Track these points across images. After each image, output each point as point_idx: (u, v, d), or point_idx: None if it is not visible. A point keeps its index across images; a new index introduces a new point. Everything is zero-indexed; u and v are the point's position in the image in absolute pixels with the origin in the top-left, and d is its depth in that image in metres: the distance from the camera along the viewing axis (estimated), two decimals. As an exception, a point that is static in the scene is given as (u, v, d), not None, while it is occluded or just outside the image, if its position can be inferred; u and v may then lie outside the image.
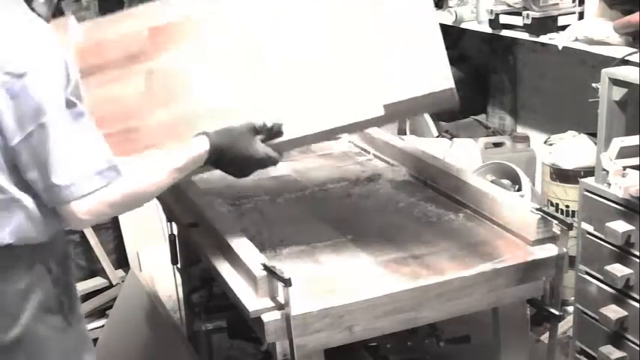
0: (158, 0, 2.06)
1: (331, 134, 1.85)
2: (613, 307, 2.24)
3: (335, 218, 2.22)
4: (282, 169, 2.66)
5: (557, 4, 2.91)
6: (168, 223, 2.48)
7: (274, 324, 1.70)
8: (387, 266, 1.91)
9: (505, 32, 3.13)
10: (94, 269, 3.62)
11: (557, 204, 2.99)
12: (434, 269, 1.88)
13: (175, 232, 2.48)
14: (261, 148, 1.75)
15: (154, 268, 3.41)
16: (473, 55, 3.91)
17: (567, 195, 2.95)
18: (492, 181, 2.96)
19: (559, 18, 2.91)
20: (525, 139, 3.57)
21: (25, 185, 1.54)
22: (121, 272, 3.67)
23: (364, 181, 2.50)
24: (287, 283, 1.66)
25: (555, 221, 1.94)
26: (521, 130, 3.72)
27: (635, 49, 2.51)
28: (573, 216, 2.86)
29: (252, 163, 1.77)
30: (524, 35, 3.03)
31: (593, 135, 2.64)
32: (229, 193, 2.41)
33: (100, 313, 3.46)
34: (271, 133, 1.77)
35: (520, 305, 2.01)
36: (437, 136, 3.83)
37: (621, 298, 2.22)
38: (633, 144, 2.20)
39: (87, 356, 1.78)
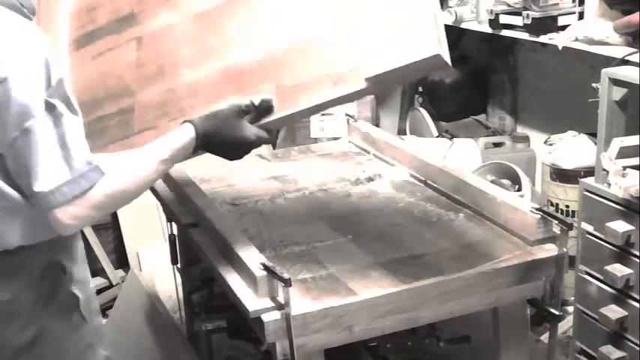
0: None
1: (319, 109, 1.80)
2: (613, 307, 2.24)
3: (335, 218, 2.22)
4: (282, 169, 2.67)
5: (557, 4, 2.91)
6: (168, 223, 2.48)
7: (274, 324, 1.70)
8: (387, 266, 1.91)
9: (505, 32, 3.13)
10: (94, 269, 3.62)
11: (557, 204, 2.99)
12: (434, 269, 1.88)
13: (175, 232, 2.47)
14: (249, 130, 1.69)
15: (154, 268, 3.41)
16: (473, 55, 3.91)
17: (567, 195, 2.95)
18: (492, 181, 2.96)
19: (559, 18, 2.91)
20: (525, 139, 3.57)
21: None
22: (121, 272, 3.68)
23: (364, 181, 2.50)
24: (287, 283, 1.66)
25: (555, 221, 1.94)
26: (521, 130, 3.72)
27: (635, 49, 2.51)
28: (573, 216, 2.86)
29: (242, 145, 1.70)
30: (524, 35, 3.03)
31: (593, 135, 2.64)
32: (229, 193, 2.42)
33: (100, 313, 3.46)
34: (260, 111, 1.71)
35: (520, 305, 2.01)
36: (437, 136, 3.83)
37: (621, 298, 2.22)
38: (633, 144, 2.20)
39: (102, 350, 1.78)
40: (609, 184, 2.22)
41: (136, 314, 3.03)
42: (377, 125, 3.89)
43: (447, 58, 1.68)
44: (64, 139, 1.48)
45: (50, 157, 1.47)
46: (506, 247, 1.98)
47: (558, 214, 2.12)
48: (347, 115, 2.96)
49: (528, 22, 2.92)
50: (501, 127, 3.77)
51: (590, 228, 2.30)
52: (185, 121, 1.68)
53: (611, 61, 2.53)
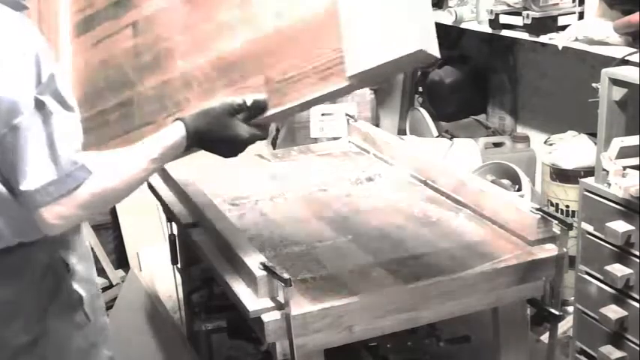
0: None
1: (309, 105, 1.78)
2: (613, 307, 2.24)
3: (335, 218, 2.22)
4: (282, 169, 2.67)
5: (557, 4, 2.91)
6: (168, 223, 2.48)
7: (274, 324, 1.70)
8: (387, 266, 1.91)
9: (505, 32, 3.13)
10: (94, 269, 3.62)
11: (557, 204, 2.99)
12: (434, 269, 1.88)
13: (175, 232, 2.48)
14: (242, 128, 1.64)
15: (154, 268, 3.41)
16: (473, 55, 3.91)
17: (567, 195, 2.95)
18: (492, 181, 2.96)
19: (559, 18, 2.91)
20: (525, 139, 3.57)
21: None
22: (121, 272, 3.68)
23: (364, 181, 2.50)
24: (287, 283, 1.66)
25: (555, 221, 1.94)
26: (521, 130, 3.71)
27: (635, 49, 2.51)
28: (573, 216, 2.86)
29: (236, 143, 1.67)
30: (524, 35, 3.03)
31: (593, 135, 2.64)
32: (229, 193, 2.42)
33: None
34: (253, 110, 1.66)
35: (520, 305, 2.01)
36: (437, 136, 3.83)
37: (621, 298, 2.22)
38: (633, 144, 2.20)
39: (106, 350, 1.77)
40: (609, 184, 2.22)
41: (136, 314, 3.03)
42: (377, 125, 3.89)
43: (435, 51, 1.65)
44: (52, 138, 1.46)
45: (37, 156, 1.45)
46: (506, 247, 1.98)
47: (558, 214, 2.12)
48: (347, 115, 2.96)
49: (528, 22, 2.92)
50: (501, 127, 3.76)
51: (590, 228, 2.30)
52: (177, 119, 1.66)
53: (611, 61, 2.53)
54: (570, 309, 2.61)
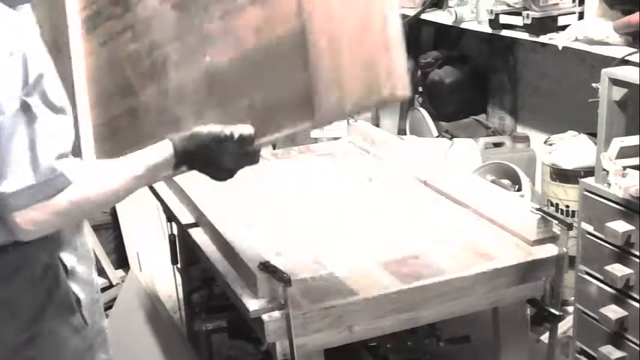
0: None
1: (296, 135, 1.75)
2: (613, 307, 2.24)
3: (335, 218, 2.22)
4: (282, 169, 2.67)
5: (557, 4, 2.90)
6: (168, 223, 2.48)
7: (274, 324, 1.70)
8: (387, 266, 1.91)
9: (505, 32, 3.13)
10: (94, 269, 3.62)
11: (557, 204, 2.99)
12: (434, 269, 1.88)
13: (175, 232, 2.48)
14: (230, 158, 1.59)
15: (154, 268, 3.41)
16: (473, 55, 3.91)
17: (567, 195, 2.95)
18: (492, 181, 2.96)
19: (559, 18, 2.91)
20: (525, 139, 3.57)
21: None
22: (121, 272, 3.68)
23: (364, 181, 2.50)
24: (287, 283, 1.66)
25: (555, 221, 1.95)
26: (521, 130, 3.71)
27: (635, 49, 2.51)
28: (573, 216, 2.86)
29: (225, 171, 1.63)
30: (524, 35, 3.03)
31: (593, 135, 2.64)
32: (229, 193, 2.41)
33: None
34: (239, 143, 1.58)
35: (520, 305, 2.01)
36: (437, 136, 3.83)
37: (621, 298, 2.22)
38: (633, 144, 2.20)
39: (102, 354, 1.75)
40: (609, 184, 2.22)
41: (136, 314, 3.03)
42: (377, 125, 3.89)
43: (402, 90, 1.57)
44: (34, 142, 1.43)
45: (17, 159, 1.42)
46: (506, 247, 1.98)
47: (558, 214, 2.12)
48: (347, 115, 2.96)
49: (528, 22, 2.92)
50: (501, 127, 3.76)
51: (590, 228, 2.30)
52: (167, 138, 1.60)
53: (611, 61, 2.53)
54: (570, 309, 2.61)
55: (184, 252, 2.54)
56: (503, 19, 3.08)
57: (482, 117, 3.89)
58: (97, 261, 3.56)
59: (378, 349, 2.14)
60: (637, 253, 2.16)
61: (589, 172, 2.48)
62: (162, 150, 1.57)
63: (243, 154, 1.60)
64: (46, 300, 1.61)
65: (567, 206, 2.96)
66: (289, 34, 1.54)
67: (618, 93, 2.25)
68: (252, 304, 1.72)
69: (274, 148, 3.58)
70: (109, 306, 3.39)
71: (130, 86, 1.93)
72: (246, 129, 1.57)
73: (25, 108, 1.42)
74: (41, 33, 1.61)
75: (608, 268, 2.22)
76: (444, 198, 2.30)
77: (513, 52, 3.66)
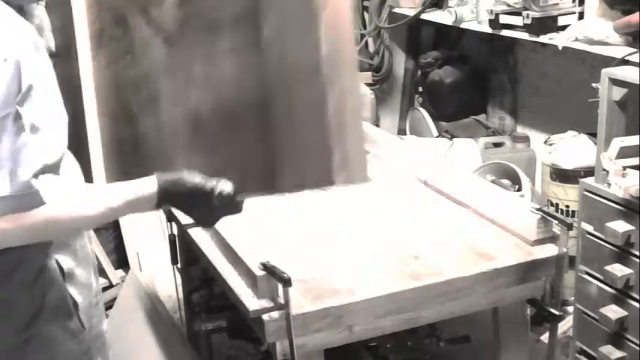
0: None
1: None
2: (613, 307, 2.24)
3: (335, 218, 2.22)
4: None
5: (557, 4, 2.91)
6: (168, 223, 2.48)
7: (274, 324, 1.70)
8: (387, 266, 1.91)
9: (505, 32, 3.13)
10: (94, 269, 3.62)
11: (557, 204, 2.99)
12: (434, 269, 1.88)
13: (175, 232, 2.47)
14: (209, 212, 1.59)
15: (154, 268, 3.41)
16: (473, 55, 3.91)
17: (567, 195, 2.95)
18: (492, 181, 2.96)
19: (559, 18, 2.91)
20: (525, 139, 3.57)
21: None
22: (121, 272, 3.67)
23: (364, 181, 2.49)
24: (287, 283, 1.66)
25: (555, 221, 1.95)
26: (521, 130, 3.71)
27: (635, 49, 2.51)
28: (573, 216, 2.86)
29: (205, 221, 1.65)
30: (524, 35, 3.03)
31: (593, 135, 2.64)
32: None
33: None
34: (220, 198, 1.57)
35: (520, 305, 2.01)
36: (437, 136, 3.83)
37: (621, 298, 2.22)
38: (633, 144, 2.20)
39: (100, 358, 1.73)
40: (609, 184, 2.22)
41: (136, 314, 3.03)
42: (377, 125, 3.89)
43: (359, 179, 1.54)
44: (17, 153, 1.40)
45: None
46: (506, 247, 1.98)
47: (558, 214, 2.12)
48: (347, 115, 2.96)
49: (528, 22, 2.92)
50: (501, 127, 3.77)
51: (590, 228, 2.30)
52: (155, 175, 1.57)
53: (611, 61, 2.53)
54: (570, 309, 2.61)
55: (184, 252, 2.53)
56: (503, 19, 3.09)
57: (482, 117, 3.89)
58: (97, 261, 3.58)
59: (378, 349, 2.14)
60: (637, 253, 2.16)
61: (589, 172, 2.48)
62: (146, 187, 1.54)
63: (223, 207, 1.59)
64: (42, 303, 1.58)
65: (567, 206, 2.96)
66: (252, 101, 1.56)
67: (618, 93, 2.25)
68: (252, 304, 1.72)
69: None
70: (109, 306, 3.39)
71: (132, 113, 1.89)
72: (226, 186, 1.55)
73: (16, 117, 1.39)
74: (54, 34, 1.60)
75: (608, 268, 2.22)
76: (444, 198, 2.30)
77: (513, 52, 3.66)
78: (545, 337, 2.61)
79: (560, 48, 2.84)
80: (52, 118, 1.47)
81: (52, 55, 1.50)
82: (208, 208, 1.57)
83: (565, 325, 2.70)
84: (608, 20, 2.67)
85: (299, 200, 2.37)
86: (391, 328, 1.85)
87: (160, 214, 3.27)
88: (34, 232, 1.46)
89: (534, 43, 3.26)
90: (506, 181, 3.14)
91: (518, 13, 2.99)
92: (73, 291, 1.63)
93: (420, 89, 4.10)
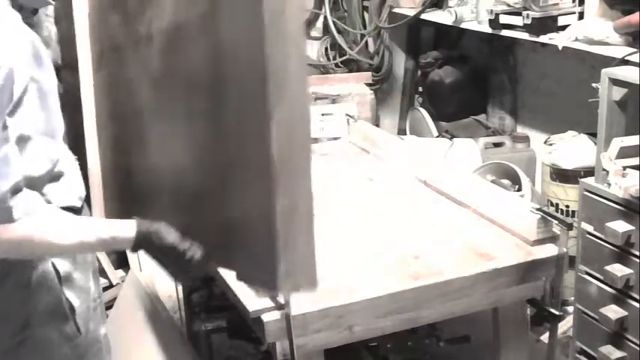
0: None
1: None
2: (613, 307, 2.24)
3: (334, 218, 2.22)
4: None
5: (557, 4, 2.90)
6: (169, 223, 2.48)
7: (274, 324, 1.70)
8: (387, 266, 1.91)
9: (505, 32, 3.13)
10: (94, 269, 3.62)
11: (557, 204, 2.99)
12: (434, 269, 1.88)
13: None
14: (177, 270, 1.61)
15: (154, 268, 3.40)
16: (473, 55, 3.91)
17: (567, 195, 2.95)
18: (492, 181, 2.96)
19: (559, 18, 2.91)
20: (525, 139, 3.57)
21: None
22: (121, 272, 3.67)
23: (364, 181, 2.49)
24: (287, 283, 1.65)
25: (555, 221, 1.95)
26: (521, 130, 3.71)
27: (635, 49, 2.51)
28: (573, 216, 2.86)
29: (177, 278, 1.68)
30: (524, 35, 3.03)
31: (593, 135, 2.64)
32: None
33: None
34: (188, 262, 1.57)
35: (520, 305, 2.01)
36: (437, 136, 3.83)
37: (621, 298, 2.22)
38: (633, 144, 2.20)
39: None
40: (609, 184, 2.22)
41: (136, 314, 3.02)
42: (377, 125, 3.89)
43: (307, 286, 1.52)
44: None
45: None
46: (506, 247, 1.98)
47: (558, 214, 2.12)
48: (347, 115, 2.96)
49: (528, 22, 2.92)
50: (501, 127, 3.76)
51: (590, 228, 2.30)
52: (135, 221, 1.57)
53: (611, 61, 2.53)
54: (570, 309, 2.61)
55: (184, 252, 2.53)
56: (503, 19, 3.08)
57: (482, 117, 3.89)
58: (97, 261, 3.57)
59: (378, 349, 2.14)
60: (637, 253, 2.16)
61: (589, 172, 2.48)
62: (124, 230, 1.54)
63: (192, 270, 1.60)
64: (37, 306, 1.57)
65: (567, 206, 2.96)
66: (208, 178, 1.55)
67: (618, 93, 2.25)
68: (252, 304, 1.72)
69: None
70: (109, 306, 3.39)
71: (126, 147, 1.88)
72: (197, 253, 1.56)
73: (3, 127, 1.37)
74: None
75: (608, 268, 2.22)
76: (444, 198, 2.30)
77: (513, 52, 3.66)
78: (545, 337, 2.61)
79: (560, 48, 2.84)
80: (48, 128, 1.45)
81: (57, 67, 1.48)
82: (179, 268, 1.59)
83: (565, 325, 2.70)
84: (608, 20, 2.66)
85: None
86: (391, 328, 1.85)
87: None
88: (9, 247, 1.43)
89: (534, 43, 3.26)
90: (506, 181, 3.14)
91: (518, 13, 2.99)
92: (70, 295, 1.61)
93: (420, 89, 4.10)
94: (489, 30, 3.20)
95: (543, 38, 2.94)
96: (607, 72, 2.26)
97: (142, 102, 1.76)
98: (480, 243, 2.01)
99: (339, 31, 4.18)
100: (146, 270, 3.49)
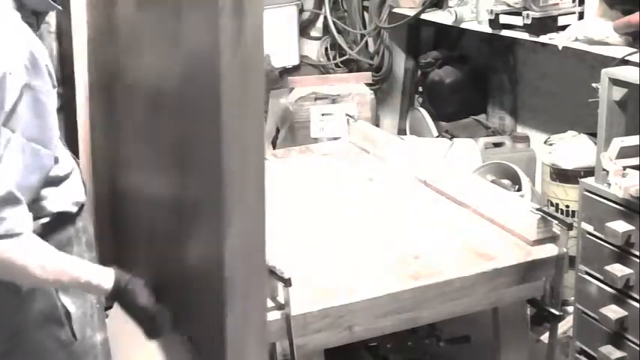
0: None
1: None
2: (613, 307, 2.24)
3: (335, 218, 2.22)
4: (282, 169, 2.67)
5: (557, 4, 2.90)
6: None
7: (274, 324, 1.70)
8: (387, 266, 1.90)
9: (505, 32, 3.13)
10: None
11: (557, 204, 2.99)
12: (434, 269, 1.88)
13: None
14: (144, 329, 1.67)
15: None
16: (473, 55, 3.91)
17: (567, 195, 2.95)
18: (492, 181, 2.96)
19: (559, 18, 2.91)
20: (525, 139, 3.57)
21: None
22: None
23: (364, 181, 2.49)
24: (287, 283, 1.66)
25: (555, 221, 1.95)
26: (521, 130, 3.71)
27: (635, 49, 2.51)
28: (573, 216, 2.86)
29: (149, 335, 1.71)
30: (524, 35, 3.03)
31: (593, 135, 2.64)
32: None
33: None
34: (154, 328, 1.66)
35: (520, 305, 2.01)
36: (437, 136, 3.83)
37: (621, 298, 2.22)
38: (633, 144, 2.20)
39: None
40: (609, 184, 2.22)
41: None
42: (377, 125, 3.89)
43: None
44: None
45: None
46: (506, 247, 1.98)
47: (558, 214, 2.12)
48: (347, 115, 2.96)
49: (528, 22, 2.92)
50: (501, 127, 3.76)
51: (590, 228, 2.30)
52: (115, 273, 1.57)
53: (611, 61, 2.53)
54: (570, 309, 2.61)
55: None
56: (503, 19, 3.08)
57: (482, 117, 3.88)
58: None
59: (378, 349, 2.14)
60: (637, 253, 2.16)
61: (589, 172, 2.48)
62: (102, 279, 1.54)
63: (158, 333, 1.68)
64: (31, 311, 1.55)
65: (567, 206, 2.96)
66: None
67: (618, 93, 2.25)
68: (252, 304, 1.72)
69: (274, 148, 3.58)
70: (109, 306, 3.38)
71: (116, 176, 1.91)
72: (164, 320, 1.63)
73: None
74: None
75: (608, 268, 2.22)
76: (444, 198, 2.30)
77: (513, 52, 3.66)
78: (545, 337, 2.61)
79: (560, 48, 2.84)
80: (41, 136, 1.42)
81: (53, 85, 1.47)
82: (148, 328, 1.67)
83: (565, 325, 2.70)
84: (608, 20, 2.66)
85: (299, 200, 2.37)
86: (391, 328, 1.85)
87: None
88: None
89: (534, 43, 3.26)
90: (506, 181, 3.14)
91: (518, 13, 2.99)
92: (65, 300, 1.59)
93: (420, 89, 4.10)
94: (489, 30, 3.20)
95: (543, 38, 2.94)
96: (607, 72, 2.26)
97: (127, 140, 1.81)
98: (480, 243, 2.01)
99: (339, 31, 4.17)
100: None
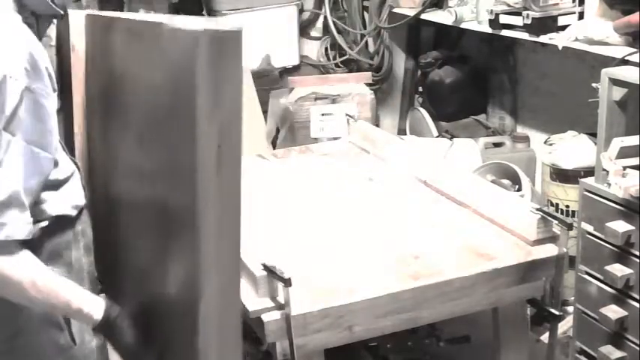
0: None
1: None
2: (613, 307, 2.24)
3: (335, 218, 2.22)
4: (282, 169, 2.67)
5: (557, 4, 2.91)
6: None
7: (274, 324, 1.70)
8: (387, 266, 1.90)
9: (505, 32, 3.13)
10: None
11: (557, 204, 2.99)
12: (434, 269, 1.88)
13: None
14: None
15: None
16: (473, 55, 3.91)
17: (567, 195, 2.95)
18: (492, 181, 2.96)
19: (559, 18, 2.91)
20: (525, 139, 3.57)
21: None
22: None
23: (364, 181, 2.49)
24: (287, 283, 1.66)
25: (555, 221, 1.95)
26: (521, 130, 3.71)
27: (635, 49, 2.51)
28: (573, 216, 2.86)
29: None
30: (524, 35, 3.03)
31: (593, 135, 2.64)
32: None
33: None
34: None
35: (520, 305, 2.01)
36: (437, 136, 3.83)
37: (621, 298, 2.22)
38: (633, 144, 2.20)
39: None
40: (609, 184, 2.22)
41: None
42: (377, 125, 3.89)
43: None
44: None
45: None
46: (506, 247, 1.98)
47: (558, 214, 2.12)
48: (347, 115, 2.96)
49: (528, 22, 2.92)
50: (501, 127, 3.76)
51: (590, 228, 2.30)
52: (105, 304, 1.55)
53: (611, 61, 2.53)
54: (570, 309, 2.61)
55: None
56: (503, 19, 3.09)
57: (482, 117, 3.89)
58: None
59: (378, 349, 2.14)
60: (637, 253, 2.16)
61: (589, 172, 2.48)
62: (92, 308, 1.52)
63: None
64: (29, 314, 1.54)
65: (567, 206, 2.96)
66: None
67: (618, 93, 2.25)
68: (252, 304, 1.72)
69: (274, 148, 3.59)
70: (109, 306, 3.38)
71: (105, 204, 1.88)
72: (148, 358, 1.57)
73: None
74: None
75: (608, 268, 2.22)
76: (444, 198, 2.30)
77: (513, 52, 3.66)
78: (545, 337, 2.61)
79: (560, 48, 2.84)
80: (41, 141, 1.41)
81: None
82: None
83: (565, 325, 2.70)
84: (608, 20, 2.67)
85: (299, 200, 2.37)
86: (391, 328, 1.85)
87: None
88: None
89: (534, 43, 3.26)
90: (506, 181, 3.14)
91: (518, 13, 2.99)
92: None
93: (420, 89, 4.10)
94: (489, 30, 3.20)
95: (543, 38, 2.94)
96: (607, 72, 2.26)
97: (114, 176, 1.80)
98: (480, 243, 2.01)
99: (339, 31, 4.18)
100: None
